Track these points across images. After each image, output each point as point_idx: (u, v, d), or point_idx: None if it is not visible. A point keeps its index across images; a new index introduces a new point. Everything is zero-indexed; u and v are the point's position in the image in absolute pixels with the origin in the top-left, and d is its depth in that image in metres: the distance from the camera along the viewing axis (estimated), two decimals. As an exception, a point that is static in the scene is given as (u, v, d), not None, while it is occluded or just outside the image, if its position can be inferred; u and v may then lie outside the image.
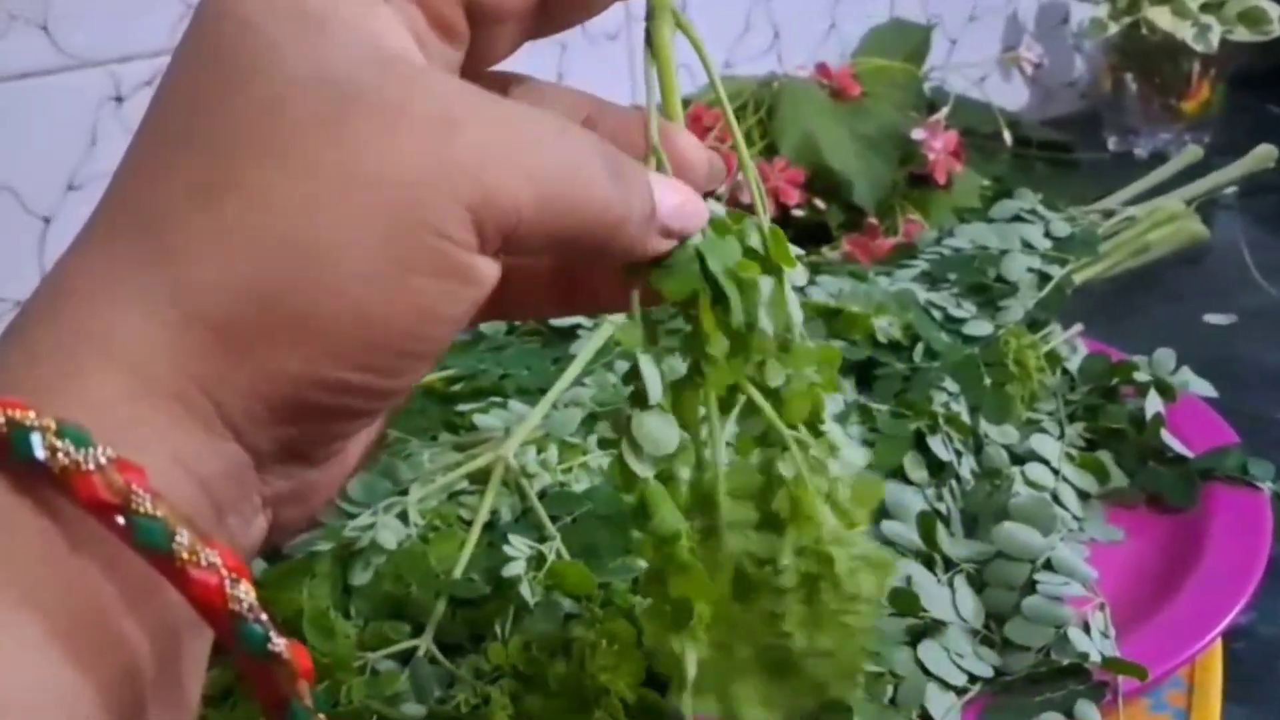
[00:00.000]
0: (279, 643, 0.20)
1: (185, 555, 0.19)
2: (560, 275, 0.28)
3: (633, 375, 0.26)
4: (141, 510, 0.19)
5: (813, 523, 0.27)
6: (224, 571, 0.20)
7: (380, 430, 0.27)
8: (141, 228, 0.21)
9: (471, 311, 0.23)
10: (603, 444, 0.46)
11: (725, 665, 0.28)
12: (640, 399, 0.26)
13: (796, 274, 0.28)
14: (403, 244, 0.21)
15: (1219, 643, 0.42)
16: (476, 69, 0.26)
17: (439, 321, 0.22)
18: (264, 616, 0.20)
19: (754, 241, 0.27)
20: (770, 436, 0.27)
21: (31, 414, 0.19)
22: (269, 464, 0.22)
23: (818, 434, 0.27)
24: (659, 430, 0.25)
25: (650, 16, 0.28)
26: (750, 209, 0.28)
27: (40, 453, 0.19)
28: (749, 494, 0.27)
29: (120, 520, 0.19)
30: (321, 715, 0.21)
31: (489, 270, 0.23)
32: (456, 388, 0.51)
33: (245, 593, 0.20)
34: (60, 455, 0.19)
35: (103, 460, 0.19)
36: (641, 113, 0.27)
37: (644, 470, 0.26)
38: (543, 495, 0.42)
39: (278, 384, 0.21)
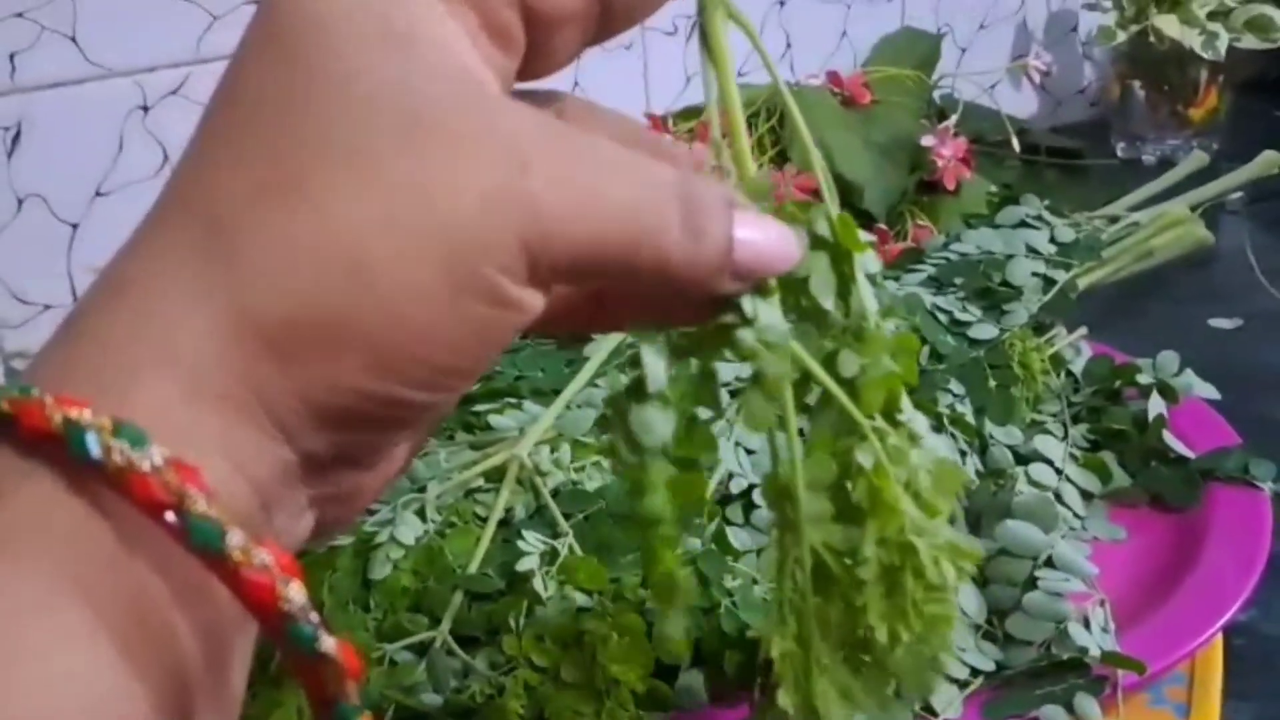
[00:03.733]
0: (328, 642, 0.20)
1: (238, 556, 0.19)
2: (589, 300, 0.28)
3: (635, 364, 0.25)
4: (195, 510, 0.19)
5: (894, 513, 0.26)
6: (276, 572, 0.20)
7: (424, 438, 0.27)
8: (204, 225, 0.21)
9: (516, 335, 0.24)
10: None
11: (805, 660, 0.27)
12: (640, 389, 0.25)
13: (869, 261, 0.27)
14: (459, 271, 0.21)
15: (1219, 639, 0.43)
16: (534, 77, 0.26)
17: (486, 343, 0.23)
18: (314, 617, 0.20)
19: (822, 229, 0.26)
20: (847, 427, 0.26)
21: (87, 412, 0.19)
22: (316, 467, 0.22)
23: (895, 424, 0.27)
24: (656, 422, 0.25)
25: (701, 10, 0.27)
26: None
27: (96, 452, 0.19)
28: (826, 486, 0.27)
29: (174, 520, 0.19)
30: (368, 713, 0.21)
31: (535, 302, 0.23)
32: (473, 389, 0.52)
33: (296, 593, 0.20)
34: (116, 455, 0.19)
35: (158, 460, 0.19)
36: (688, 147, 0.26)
37: (635, 460, 0.25)
38: (556, 493, 0.44)
39: (328, 393, 0.21)
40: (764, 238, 0.25)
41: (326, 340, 0.21)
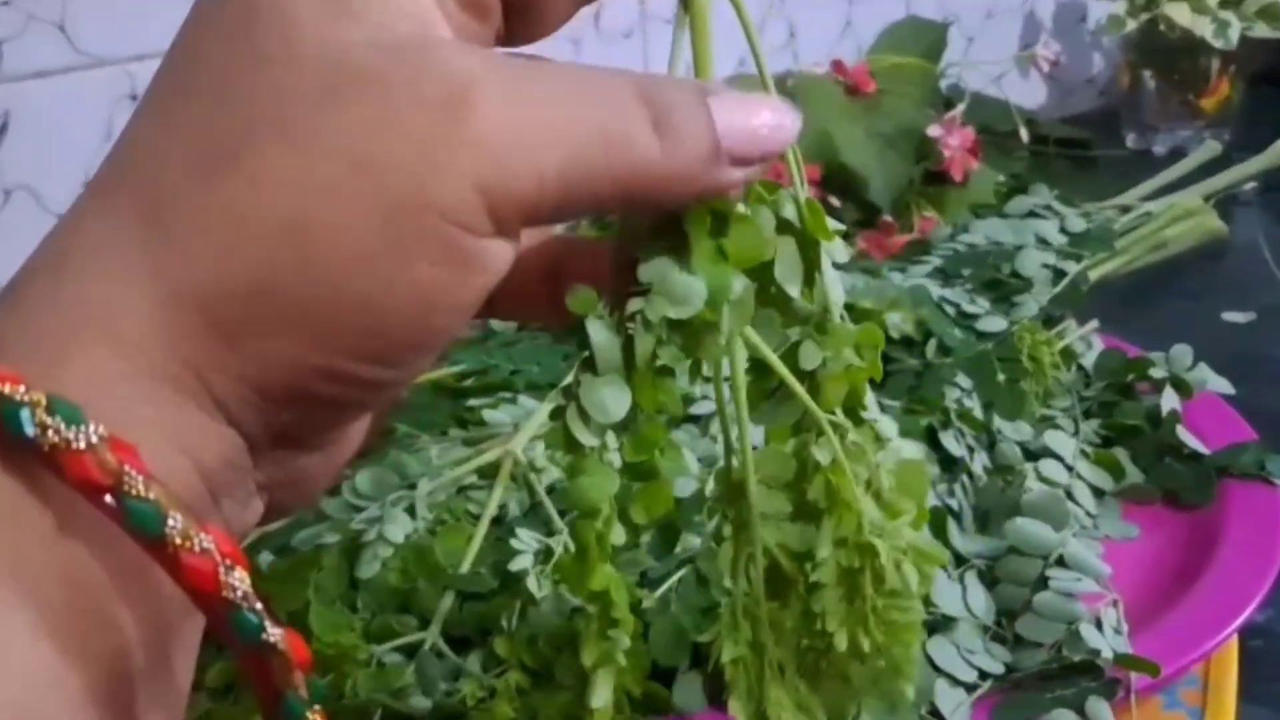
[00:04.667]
0: (274, 632, 0.20)
1: (178, 540, 0.19)
2: (548, 279, 0.27)
3: (583, 341, 0.24)
4: (134, 492, 0.18)
5: (852, 512, 0.25)
6: (218, 557, 0.19)
7: (381, 419, 0.26)
8: (139, 201, 0.21)
9: (481, 299, 0.22)
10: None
11: (758, 667, 0.26)
12: (591, 365, 0.24)
13: (837, 250, 0.26)
14: (403, 228, 0.20)
15: (1235, 640, 0.42)
16: (524, 42, 0.25)
17: (444, 311, 0.21)
18: (259, 605, 0.19)
19: (789, 213, 0.25)
20: (806, 422, 0.25)
21: (22, 388, 0.18)
22: (264, 449, 0.22)
23: (858, 420, 0.26)
24: (610, 399, 0.23)
25: None
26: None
27: (30, 429, 0.18)
28: (782, 483, 0.26)
29: (111, 501, 0.18)
30: (317, 707, 0.20)
31: (501, 254, 0.22)
32: (467, 383, 0.51)
33: (240, 580, 0.19)
34: (50, 432, 0.18)
35: (94, 439, 0.18)
36: None
37: (589, 439, 0.24)
38: (551, 490, 0.42)
39: (269, 369, 0.20)
40: (754, 114, 0.23)
41: (263, 313, 0.20)
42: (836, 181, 0.76)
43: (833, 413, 0.25)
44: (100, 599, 0.19)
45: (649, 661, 0.37)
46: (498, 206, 0.21)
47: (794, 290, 0.25)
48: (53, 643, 0.18)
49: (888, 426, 0.26)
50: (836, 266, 0.26)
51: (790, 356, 0.25)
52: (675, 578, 0.39)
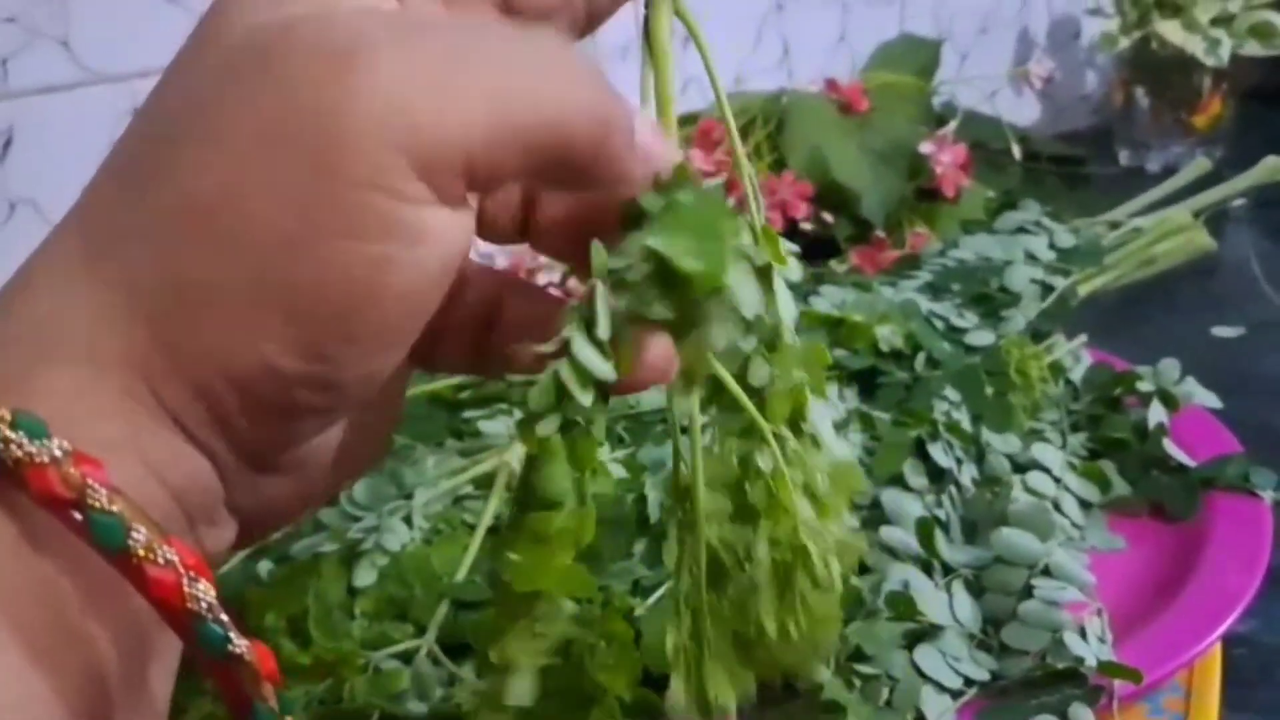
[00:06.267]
0: (240, 643, 0.19)
1: (141, 552, 0.18)
2: (483, 326, 0.26)
3: (587, 303, 0.23)
4: (96, 505, 0.18)
5: (788, 515, 0.27)
6: (181, 569, 0.19)
7: (372, 440, 0.25)
8: (91, 219, 0.21)
9: (434, 278, 0.20)
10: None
11: (698, 653, 0.28)
12: (589, 327, 0.23)
13: (790, 272, 0.27)
14: (320, 203, 0.19)
15: (1218, 649, 0.42)
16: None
17: (390, 296, 0.20)
18: (224, 616, 0.19)
19: (744, 239, 0.26)
20: (750, 430, 0.27)
21: None
22: (231, 471, 0.21)
23: (799, 431, 0.27)
24: (597, 361, 0.23)
25: (649, 4, 0.26)
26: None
27: None
28: (726, 485, 0.27)
29: (75, 516, 0.18)
30: (288, 718, 0.20)
31: (445, 223, 0.20)
32: (463, 395, 0.51)
33: (204, 591, 0.19)
34: (14, 447, 0.18)
35: (58, 453, 0.18)
36: None
37: (585, 398, 0.23)
38: (545, 500, 0.43)
39: (211, 372, 0.20)
40: (652, 127, 0.24)
41: (195, 311, 0.20)
42: (830, 198, 0.77)
43: (776, 426, 0.27)
44: (72, 614, 0.19)
45: (640, 667, 0.37)
46: (430, 168, 0.19)
47: (749, 313, 0.25)
48: (25, 658, 0.18)
49: (826, 430, 0.28)
50: (790, 287, 0.27)
51: (740, 371, 0.27)
52: (666, 586, 0.40)
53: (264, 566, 0.41)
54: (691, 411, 0.27)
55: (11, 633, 0.18)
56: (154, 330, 0.20)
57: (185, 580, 0.19)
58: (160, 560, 0.19)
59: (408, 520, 0.42)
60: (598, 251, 0.23)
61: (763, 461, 0.27)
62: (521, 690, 0.27)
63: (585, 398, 0.23)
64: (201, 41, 0.21)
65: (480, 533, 0.42)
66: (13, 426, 0.18)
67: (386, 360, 0.21)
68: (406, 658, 0.38)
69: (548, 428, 0.23)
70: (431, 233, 0.20)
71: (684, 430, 0.28)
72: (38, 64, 0.67)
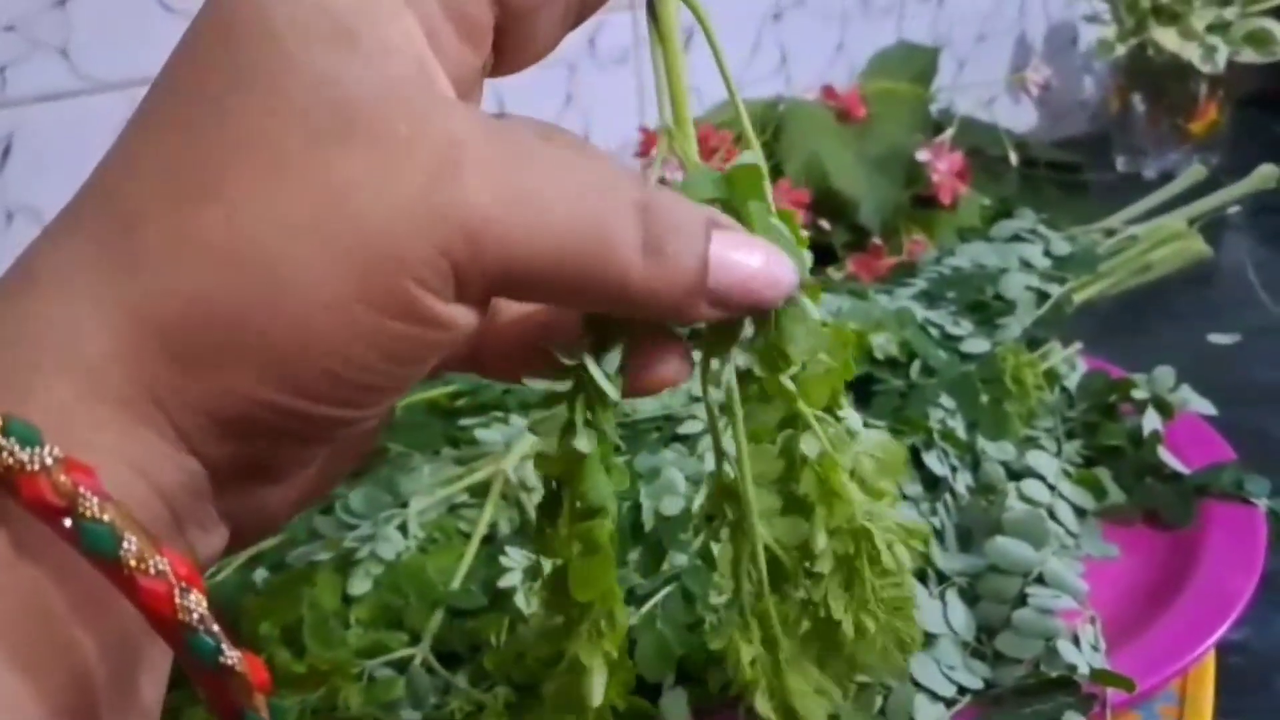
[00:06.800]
0: (231, 655, 0.20)
1: (133, 562, 0.19)
2: (528, 343, 0.26)
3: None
4: (88, 514, 0.18)
5: (843, 501, 0.26)
6: (174, 580, 0.19)
7: (352, 453, 0.26)
8: (116, 225, 0.20)
9: (441, 355, 0.22)
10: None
11: (774, 663, 0.27)
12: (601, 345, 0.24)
13: (805, 257, 0.26)
14: (375, 284, 0.20)
15: (1211, 657, 0.43)
16: (515, 68, 0.24)
17: (402, 361, 0.21)
18: (215, 628, 0.19)
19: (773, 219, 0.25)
20: (789, 421, 0.26)
21: None
22: (226, 479, 0.22)
23: (836, 417, 0.27)
24: (607, 380, 0.24)
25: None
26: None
27: None
28: (770, 480, 0.26)
29: (66, 524, 0.18)
30: None
31: (464, 319, 0.21)
32: (459, 403, 0.52)
33: (196, 603, 0.19)
34: (5, 454, 0.18)
35: (49, 460, 0.18)
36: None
37: (615, 394, 0.24)
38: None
39: (226, 401, 0.20)
40: (749, 260, 0.23)
41: (225, 347, 0.20)
42: (827, 205, 0.77)
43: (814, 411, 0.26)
44: (60, 621, 0.19)
45: (634, 676, 0.37)
46: (464, 275, 0.21)
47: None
48: (12, 665, 0.18)
49: (854, 418, 0.27)
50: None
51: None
52: (661, 594, 0.40)
53: (259, 575, 0.41)
54: (732, 401, 0.25)
55: (0, 637, 0.18)
56: (173, 352, 0.20)
57: (177, 591, 0.19)
58: (152, 570, 0.19)
59: (403, 528, 0.42)
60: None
61: (808, 448, 0.26)
62: (598, 688, 0.27)
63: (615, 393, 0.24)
64: (248, 56, 0.21)
65: (475, 541, 0.42)
66: (4, 432, 0.18)
67: (394, 400, 0.23)
68: (401, 666, 0.38)
69: (586, 444, 0.24)
70: (451, 323, 0.21)
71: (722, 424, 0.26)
72: (37, 72, 0.67)
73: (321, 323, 0.20)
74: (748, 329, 0.25)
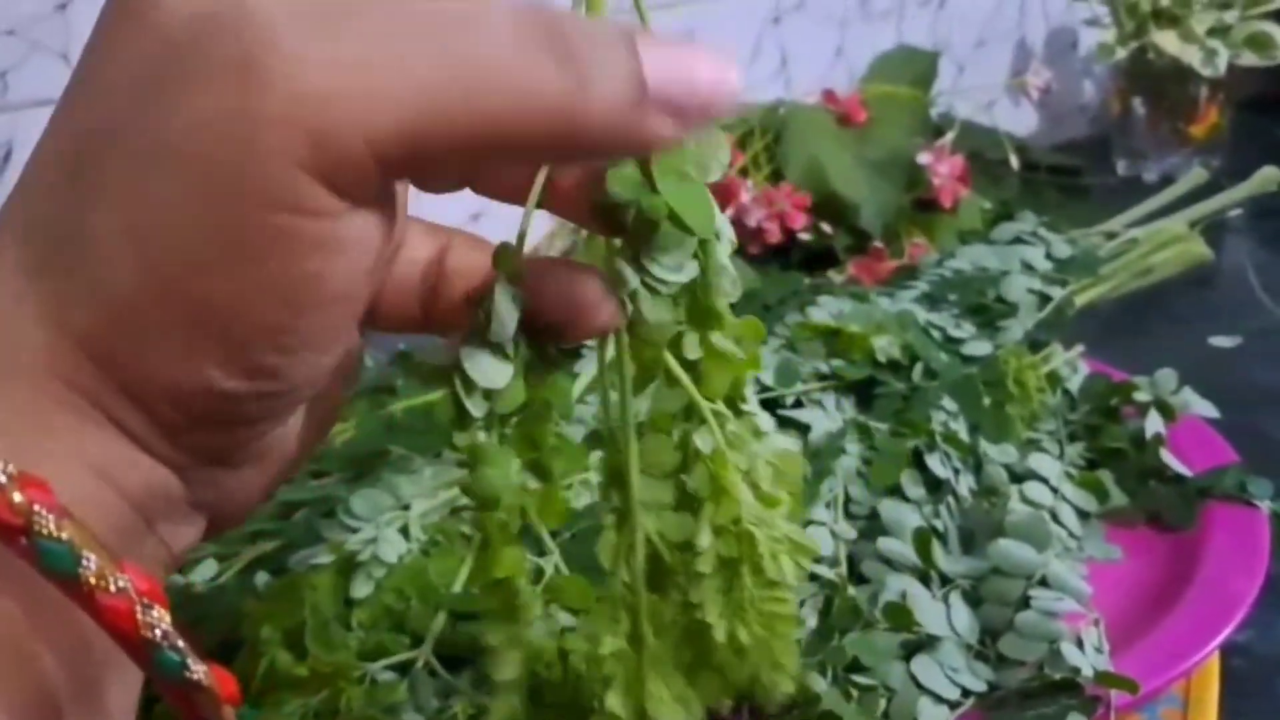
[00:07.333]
0: (197, 669, 0.19)
1: (93, 580, 0.18)
2: (424, 285, 0.25)
3: (486, 301, 0.23)
4: (45, 531, 0.18)
5: (732, 500, 0.25)
6: (135, 597, 0.18)
7: (318, 421, 0.25)
8: (31, 224, 0.20)
9: (361, 276, 0.20)
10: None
11: (637, 661, 0.26)
12: (480, 334, 0.23)
13: (726, 239, 0.25)
14: (227, 224, 0.18)
15: (1215, 659, 0.42)
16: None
17: (313, 306, 0.19)
18: (180, 642, 0.19)
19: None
20: (688, 412, 0.25)
21: None
22: (190, 471, 0.21)
23: (738, 412, 0.26)
24: (491, 368, 0.23)
25: None
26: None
27: None
28: (664, 472, 0.25)
29: (23, 542, 0.18)
30: None
31: (363, 226, 0.19)
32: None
33: (158, 618, 0.19)
34: None
35: (2, 478, 0.18)
36: None
37: (476, 409, 0.23)
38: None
39: (150, 391, 0.20)
40: (685, 54, 0.20)
41: (127, 334, 0.19)
42: (828, 208, 0.77)
43: (714, 403, 0.25)
44: (19, 634, 0.19)
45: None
46: (334, 179, 0.18)
47: (683, 278, 0.24)
48: None
49: (765, 420, 0.26)
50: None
51: (675, 345, 0.25)
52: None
53: (260, 578, 0.41)
54: (624, 387, 0.25)
55: None
56: (91, 353, 0.19)
57: (139, 608, 0.18)
58: (112, 588, 0.18)
59: (405, 531, 0.41)
60: (504, 251, 0.24)
61: (702, 442, 0.25)
62: (509, 668, 0.28)
63: (478, 409, 0.23)
64: (136, 13, 0.19)
65: (477, 544, 0.42)
66: None
67: (330, 356, 0.21)
68: (403, 669, 0.38)
69: (469, 438, 0.24)
70: (350, 239, 0.19)
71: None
72: (37, 77, 0.67)
73: (200, 287, 0.19)
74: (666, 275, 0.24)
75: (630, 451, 0.25)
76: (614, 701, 0.26)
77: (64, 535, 0.18)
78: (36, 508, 0.18)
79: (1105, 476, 0.51)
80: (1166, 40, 0.92)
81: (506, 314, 0.23)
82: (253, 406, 0.21)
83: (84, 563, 0.18)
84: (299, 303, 0.19)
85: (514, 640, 0.26)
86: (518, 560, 0.25)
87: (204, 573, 0.42)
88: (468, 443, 0.24)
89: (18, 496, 0.18)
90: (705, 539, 0.25)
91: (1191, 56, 0.92)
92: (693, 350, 0.25)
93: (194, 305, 0.19)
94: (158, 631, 0.19)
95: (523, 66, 0.19)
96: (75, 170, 0.19)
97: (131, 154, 0.19)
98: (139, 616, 0.18)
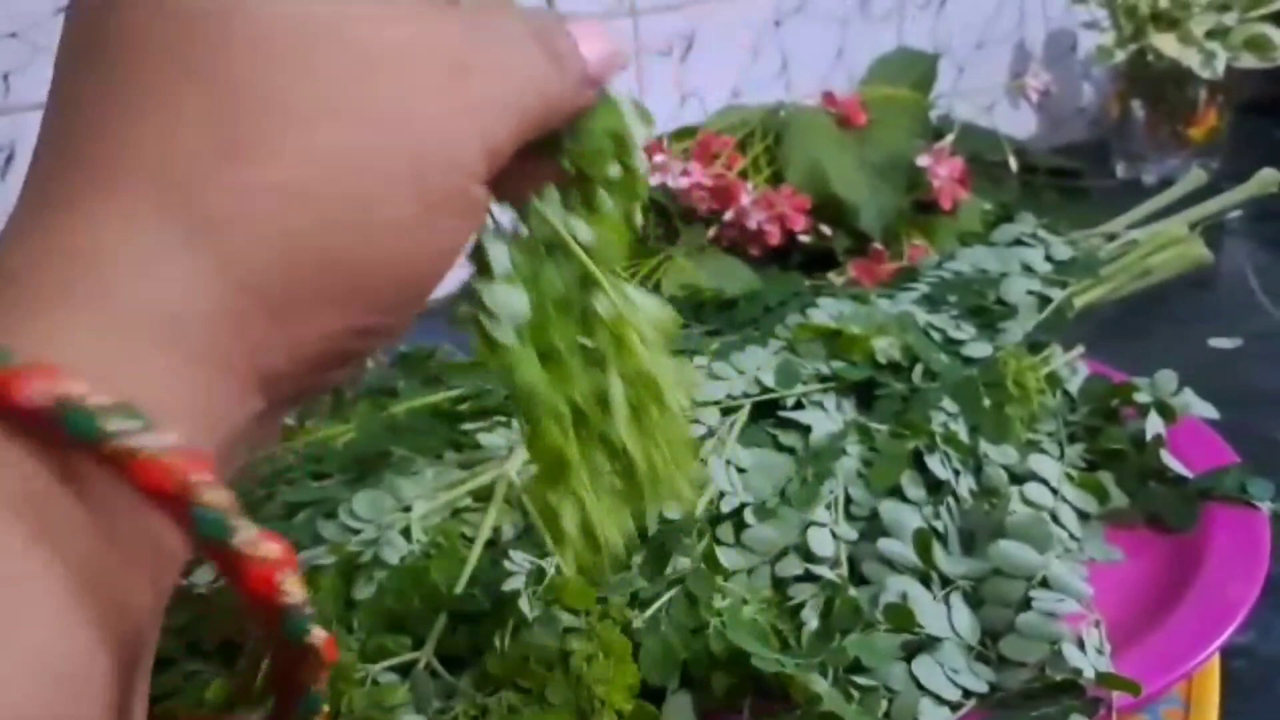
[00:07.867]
0: (318, 635, 0.21)
1: (246, 550, 0.19)
2: None
3: (477, 251, 0.27)
4: (203, 500, 0.19)
5: (632, 354, 0.29)
6: (278, 565, 0.20)
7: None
8: (164, 189, 0.20)
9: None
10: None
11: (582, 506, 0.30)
12: (486, 271, 0.27)
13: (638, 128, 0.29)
14: (433, 187, 0.22)
15: (1216, 660, 0.43)
16: None
17: (452, 257, 0.23)
18: (309, 610, 0.20)
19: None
20: (585, 282, 0.29)
21: (84, 391, 0.18)
22: (276, 409, 0.22)
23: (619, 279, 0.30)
24: (510, 297, 0.27)
25: None
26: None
27: (93, 434, 0.18)
28: (571, 343, 0.29)
29: (181, 511, 0.19)
30: (325, 707, 0.22)
31: (486, 197, 0.24)
32: (462, 407, 0.52)
33: (294, 585, 0.20)
34: (116, 439, 0.18)
35: (161, 445, 0.18)
36: None
37: (506, 336, 0.27)
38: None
39: (318, 340, 0.21)
40: (604, 42, 0.26)
41: (311, 290, 0.21)
42: (828, 210, 0.77)
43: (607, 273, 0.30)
44: (115, 581, 0.19)
45: (638, 680, 0.37)
46: (493, 161, 0.23)
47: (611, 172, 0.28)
48: (82, 620, 0.18)
49: (631, 290, 0.30)
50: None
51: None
52: (665, 598, 0.40)
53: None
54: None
55: (73, 598, 0.18)
56: (266, 307, 0.21)
57: (281, 576, 0.20)
58: (260, 556, 0.19)
59: (406, 533, 0.42)
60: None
61: (601, 307, 0.29)
62: (570, 524, 0.30)
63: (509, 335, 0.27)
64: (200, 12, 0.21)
65: (479, 545, 0.42)
66: (119, 415, 0.18)
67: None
68: (405, 670, 0.38)
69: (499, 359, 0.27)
70: (484, 204, 0.24)
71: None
72: (40, 79, 0.67)
73: (391, 241, 0.22)
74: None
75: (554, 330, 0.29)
76: (569, 523, 0.30)
77: (219, 504, 0.19)
78: (192, 477, 0.19)
79: (1105, 478, 0.51)
80: (1165, 43, 0.92)
81: (497, 250, 0.27)
82: (373, 343, 0.23)
83: (237, 531, 0.19)
84: (447, 254, 0.23)
85: (568, 493, 0.30)
86: (559, 432, 0.29)
87: (205, 574, 0.42)
88: (498, 362, 0.27)
89: (177, 465, 0.18)
90: (617, 388, 0.29)
91: (1190, 59, 0.92)
92: (585, 235, 0.28)
93: (376, 256, 0.22)
94: (295, 597, 0.20)
95: (552, 79, 0.25)
96: (255, 137, 0.21)
97: (348, 126, 0.21)
98: (280, 583, 0.20)
